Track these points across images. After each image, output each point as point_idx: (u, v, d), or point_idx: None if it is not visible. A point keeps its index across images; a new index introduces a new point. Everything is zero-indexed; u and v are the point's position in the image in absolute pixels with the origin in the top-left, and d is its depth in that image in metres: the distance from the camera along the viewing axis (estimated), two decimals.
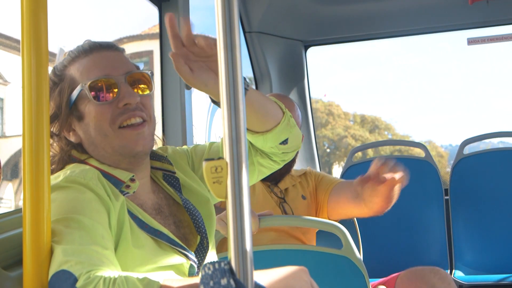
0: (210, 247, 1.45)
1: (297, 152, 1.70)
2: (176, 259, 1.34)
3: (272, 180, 2.55)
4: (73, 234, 1.17)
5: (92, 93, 1.33)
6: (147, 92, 1.40)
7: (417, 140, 2.73)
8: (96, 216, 1.23)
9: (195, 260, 1.38)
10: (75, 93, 1.35)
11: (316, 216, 2.46)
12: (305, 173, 2.65)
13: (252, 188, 2.46)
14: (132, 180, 1.36)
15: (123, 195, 1.33)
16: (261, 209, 2.24)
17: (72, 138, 1.39)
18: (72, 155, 1.39)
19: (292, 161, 2.56)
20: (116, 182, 1.34)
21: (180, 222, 1.45)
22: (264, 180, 2.52)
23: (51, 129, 1.37)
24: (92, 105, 1.34)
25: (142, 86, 1.39)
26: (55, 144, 1.40)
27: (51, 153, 1.38)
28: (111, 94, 1.34)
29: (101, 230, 1.21)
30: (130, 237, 1.27)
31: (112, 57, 1.38)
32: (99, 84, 1.33)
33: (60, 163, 1.40)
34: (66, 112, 1.36)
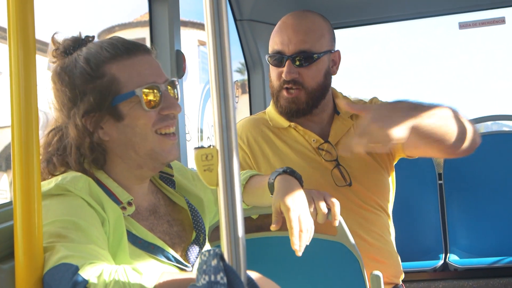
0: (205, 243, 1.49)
1: None
2: (171, 269, 1.36)
3: (317, 130, 2.03)
4: (70, 234, 1.18)
5: (144, 99, 1.35)
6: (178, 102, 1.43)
7: None
8: (90, 220, 1.25)
9: (191, 270, 1.41)
10: (123, 96, 1.35)
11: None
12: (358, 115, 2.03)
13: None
14: (129, 203, 1.37)
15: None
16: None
17: (102, 135, 1.36)
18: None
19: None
20: (115, 200, 1.34)
21: (174, 220, 1.47)
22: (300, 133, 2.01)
23: (82, 122, 1.34)
24: (140, 109, 1.36)
25: (175, 96, 1.43)
26: (72, 135, 1.35)
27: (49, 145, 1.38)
28: (156, 101, 1.37)
29: (95, 232, 1.23)
30: (128, 249, 1.29)
31: (153, 63, 1.41)
32: (151, 91, 1.36)
33: (68, 156, 1.36)
34: (108, 110, 1.35)
